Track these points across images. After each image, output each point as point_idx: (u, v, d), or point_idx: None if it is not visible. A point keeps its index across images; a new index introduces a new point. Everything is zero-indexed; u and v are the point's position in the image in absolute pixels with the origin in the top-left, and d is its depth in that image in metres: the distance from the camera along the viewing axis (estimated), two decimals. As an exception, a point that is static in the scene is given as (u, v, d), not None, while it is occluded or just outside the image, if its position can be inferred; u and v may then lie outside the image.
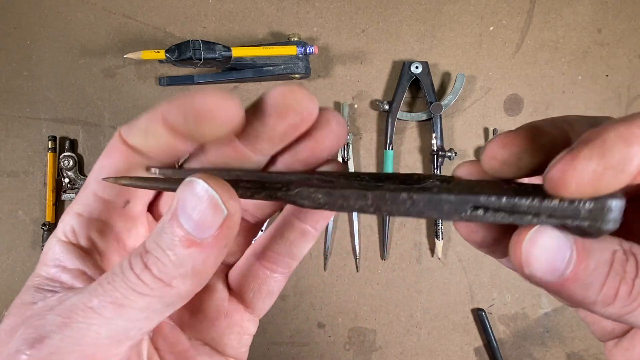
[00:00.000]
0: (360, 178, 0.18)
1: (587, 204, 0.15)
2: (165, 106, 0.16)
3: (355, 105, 0.60)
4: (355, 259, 0.60)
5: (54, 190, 0.58)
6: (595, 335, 0.21)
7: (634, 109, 0.60)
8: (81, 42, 0.60)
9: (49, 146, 0.58)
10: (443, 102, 0.58)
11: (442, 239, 0.59)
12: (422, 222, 0.61)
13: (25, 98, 0.60)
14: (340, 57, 0.60)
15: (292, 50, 0.55)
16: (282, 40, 0.59)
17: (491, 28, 0.60)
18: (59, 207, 0.60)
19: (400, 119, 0.59)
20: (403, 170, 0.60)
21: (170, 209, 0.15)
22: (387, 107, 0.58)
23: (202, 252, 0.15)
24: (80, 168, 0.60)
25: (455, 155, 0.58)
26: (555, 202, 0.15)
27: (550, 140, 0.16)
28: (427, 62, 0.58)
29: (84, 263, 0.18)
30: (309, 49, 0.55)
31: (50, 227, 0.58)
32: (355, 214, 0.60)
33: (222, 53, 0.53)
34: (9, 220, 0.59)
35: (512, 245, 0.16)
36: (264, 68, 0.57)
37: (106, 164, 0.18)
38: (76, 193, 0.58)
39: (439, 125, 0.58)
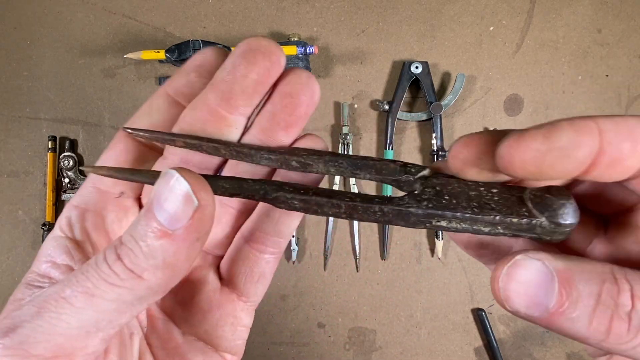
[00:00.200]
0: (338, 164, 0.19)
1: (543, 223, 0.16)
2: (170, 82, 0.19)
3: (355, 105, 0.60)
4: (355, 259, 0.60)
5: (54, 190, 0.58)
6: (587, 350, 0.20)
7: (634, 109, 0.60)
8: (81, 42, 0.60)
9: (49, 146, 0.58)
10: (443, 102, 0.58)
11: (442, 239, 0.59)
12: (422, 222, 0.61)
13: (25, 98, 0.60)
14: (340, 57, 0.60)
15: (292, 50, 0.55)
16: (282, 40, 0.59)
17: (491, 28, 0.60)
18: (59, 207, 0.60)
19: (400, 119, 0.59)
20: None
21: (148, 201, 0.15)
22: (387, 107, 0.58)
23: (173, 244, 0.15)
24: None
25: (455, 155, 0.58)
26: (513, 219, 0.16)
27: None
28: (427, 62, 0.58)
29: (72, 259, 0.18)
30: (309, 49, 0.55)
31: (50, 227, 0.58)
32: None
33: (222, 53, 0.53)
34: (9, 220, 0.59)
35: (491, 282, 0.15)
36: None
37: (107, 156, 0.19)
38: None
39: (439, 125, 0.58)
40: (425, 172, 0.18)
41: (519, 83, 0.60)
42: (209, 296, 0.21)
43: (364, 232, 0.60)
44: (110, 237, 0.20)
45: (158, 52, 0.53)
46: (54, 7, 0.60)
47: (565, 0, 0.60)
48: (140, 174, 0.18)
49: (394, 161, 0.19)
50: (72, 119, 0.60)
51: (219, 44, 0.53)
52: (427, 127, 0.60)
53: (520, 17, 0.60)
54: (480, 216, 0.16)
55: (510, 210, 0.16)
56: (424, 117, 0.59)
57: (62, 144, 0.59)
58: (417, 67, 0.58)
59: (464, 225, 0.17)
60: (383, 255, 0.60)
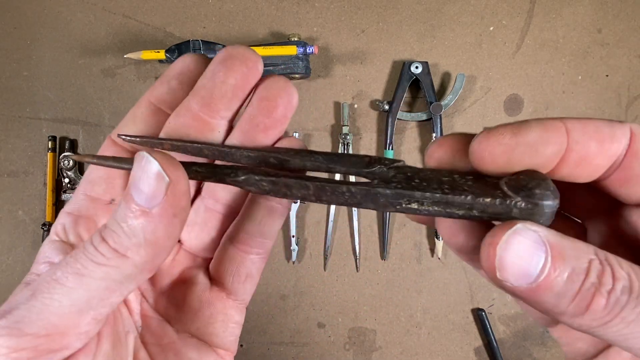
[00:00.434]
0: (314, 159, 0.19)
1: (519, 203, 0.15)
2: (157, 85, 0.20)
3: (355, 105, 0.60)
4: (355, 259, 0.60)
5: (54, 190, 0.58)
6: (567, 356, 0.20)
7: (634, 109, 0.60)
8: (81, 42, 0.60)
9: (49, 146, 0.58)
10: (443, 102, 0.58)
11: (442, 239, 0.59)
12: (422, 222, 0.61)
13: (25, 98, 0.60)
14: (340, 57, 0.60)
15: (292, 50, 0.55)
16: (282, 40, 0.59)
17: (491, 28, 0.60)
18: (59, 207, 0.60)
19: (400, 119, 0.59)
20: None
21: (127, 186, 0.16)
22: (387, 107, 0.58)
23: (152, 221, 0.16)
24: (80, 168, 0.60)
25: (455, 155, 0.58)
26: (486, 199, 0.16)
27: None
28: (427, 62, 0.58)
29: None
30: (309, 49, 0.55)
31: (50, 227, 0.58)
32: (355, 214, 0.60)
33: (222, 53, 0.53)
34: (9, 220, 0.59)
35: (484, 247, 0.15)
36: (264, 68, 0.57)
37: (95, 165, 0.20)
38: (76, 193, 0.59)
39: (439, 125, 0.58)
40: (400, 163, 0.18)
41: (519, 83, 0.60)
42: (200, 295, 0.22)
43: (364, 232, 0.60)
44: None
45: (158, 52, 0.53)
46: (54, 7, 0.60)
47: (565, 0, 0.60)
48: (121, 161, 0.19)
49: (368, 155, 0.19)
50: (72, 119, 0.60)
51: (218, 44, 0.53)
52: (427, 127, 0.60)
53: (520, 17, 0.60)
54: (451, 196, 0.16)
55: (484, 192, 0.16)
56: (424, 117, 0.59)
57: (62, 144, 0.59)
58: (417, 67, 0.58)
59: (436, 209, 0.16)
60: (383, 255, 0.60)
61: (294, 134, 0.59)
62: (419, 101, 0.61)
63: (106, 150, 0.21)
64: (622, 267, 0.14)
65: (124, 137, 0.20)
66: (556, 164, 0.15)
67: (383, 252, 0.60)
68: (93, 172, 0.21)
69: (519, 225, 0.15)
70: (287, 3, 0.60)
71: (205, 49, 0.52)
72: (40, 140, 0.59)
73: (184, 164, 0.18)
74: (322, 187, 0.17)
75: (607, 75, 0.60)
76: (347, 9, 0.60)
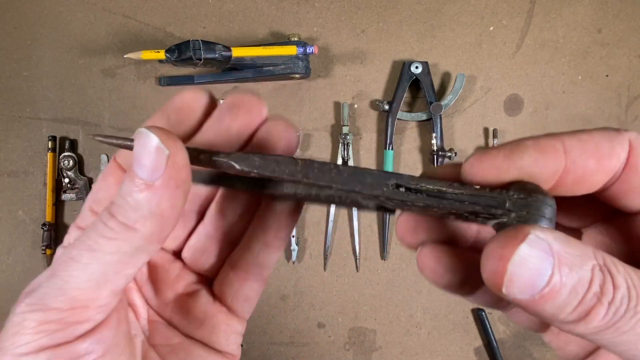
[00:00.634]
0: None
1: (510, 193, 0.16)
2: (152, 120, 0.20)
3: (355, 105, 0.60)
4: (355, 259, 0.60)
5: (54, 190, 0.58)
6: (559, 358, 0.21)
7: (634, 109, 0.60)
8: (81, 42, 0.60)
9: (49, 146, 0.58)
10: (443, 102, 0.58)
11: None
12: (422, 222, 0.61)
13: (25, 98, 0.60)
14: (340, 57, 0.60)
15: (292, 50, 0.55)
16: (282, 40, 0.59)
17: (491, 28, 0.60)
18: (59, 207, 0.60)
19: (400, 119, 0.59)
20: (403, 170, 0.60)
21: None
22: (387, 107, 0.58)
23: (156, 193, 0.17)
24: (80, 168, 0.60)
25: (456, 155, 0.58)
26: (477, 187, 0.16)
27: None
28: (427, 62, 0.58)
29: None
30: (309, 49, 0.55)
31: (50, 227, 0.58)
32: (355, 214, 0.60)
33: (222, 53, 0.53)
34: (9, 220, 0.59)
35: (490, 261, 0.15)
36: (264, 68, 0.57)
37: (102, 185, 0.21)
38: (76, 193, 0.59)
39: (439, 125, 0.58)
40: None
41: (519, 83, 0.60)
42: (203, 307, 0.23)
43: (364, 232, 0.60)
44: None
45: (158, 52, 0.53)
46: (54, 7, 0.60)
47: (565, 0, 0.60)
48: (127, 141, 0.20)
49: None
50: (72, 119, 0.60)
51: (218, 44, 0.53)
52: (427, 127, 0.60)
53: (520, 17, 0.60)
54: (442, 184, 0.16)
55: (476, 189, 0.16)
56: (424, 117, 0.59)
57: (62, 144, 0.59)
58: (417, 67, 0.58)
59: (424, 197, 0.17)
60: (383, 255, 0.60)
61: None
62: (419, 101, 0.61)
63: (109, 175, 0.22)
64: (619, 272, 0.14)
65: (98, 138, 0.21)
66: (553, 184, 0.15)
67: (383, 252, 0.60)
68: (100, 192, 0.21)
69: (531, 236, 0.14)
70: (287, 3, 0.60)
71: (205, 49, 0.52)
72: (40, 140, 0.59)
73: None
74: (310, 163, 0.18)
75: (607, 75, 0.60)
76: (347, 9, 0.60)
